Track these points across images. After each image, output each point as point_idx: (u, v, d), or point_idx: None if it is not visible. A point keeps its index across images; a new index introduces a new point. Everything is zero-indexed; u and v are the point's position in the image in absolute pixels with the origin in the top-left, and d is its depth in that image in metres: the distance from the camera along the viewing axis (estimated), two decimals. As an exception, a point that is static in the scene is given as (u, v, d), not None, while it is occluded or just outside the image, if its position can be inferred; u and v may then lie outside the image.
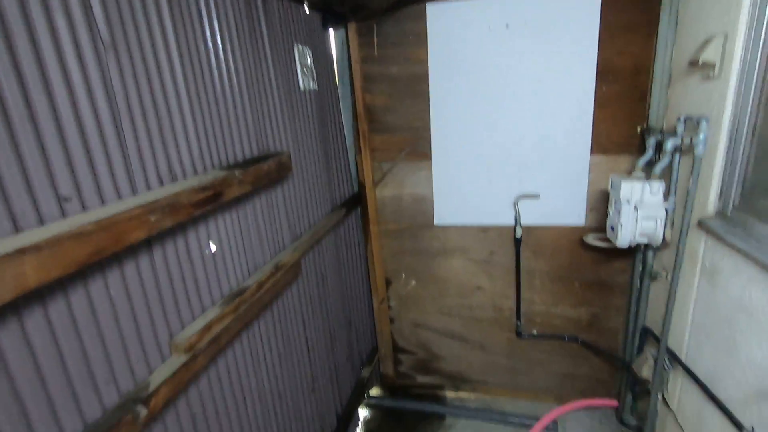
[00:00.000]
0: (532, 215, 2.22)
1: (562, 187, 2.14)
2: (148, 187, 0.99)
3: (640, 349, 2.08)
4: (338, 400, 2.17)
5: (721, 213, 1.55)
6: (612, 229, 1.79)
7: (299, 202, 1.74)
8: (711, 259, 1.57)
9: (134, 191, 0.95)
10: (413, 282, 2.52)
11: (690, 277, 1.70)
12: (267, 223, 1.49)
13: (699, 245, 1.63)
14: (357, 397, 2.40)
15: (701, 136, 1.52)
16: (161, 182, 1.03)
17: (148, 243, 0.98)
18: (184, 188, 1.01)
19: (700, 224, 1.60)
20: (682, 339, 1.77)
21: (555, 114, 2.06)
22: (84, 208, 0.83)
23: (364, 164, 2.30)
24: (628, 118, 2.00)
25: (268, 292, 1.40)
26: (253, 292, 1.32)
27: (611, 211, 1.81)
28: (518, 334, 2.42)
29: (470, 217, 2.31)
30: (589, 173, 2.09)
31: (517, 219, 2.22)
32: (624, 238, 1.70)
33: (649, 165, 1.79)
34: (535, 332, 2.41)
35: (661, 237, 1.69)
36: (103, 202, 0.88)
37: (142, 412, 0.90)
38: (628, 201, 1.66)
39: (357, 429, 2.42)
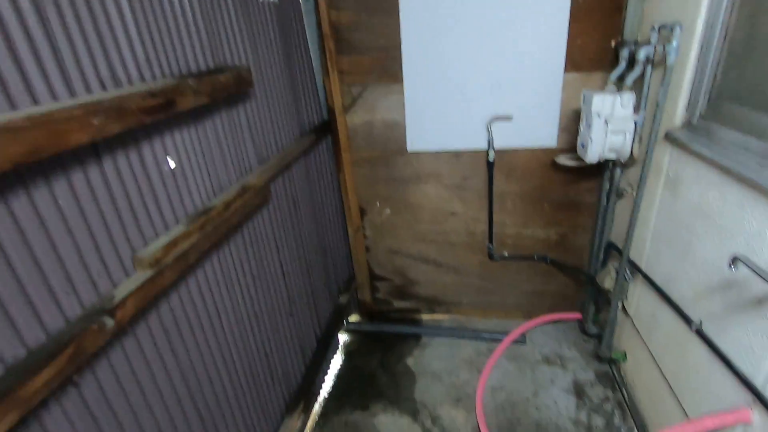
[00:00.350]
0: (505, 138, 2.20)
1: (535, 108, 2.11)
2: (89, 91, 0.90)
3: (604, 263, 2.19)
4: (317, 325, 2.23)
5: (687, 123, 1.57)
6: (582, 146, 1.80)
7: (264, 124, 1.66)
8: (675, 170, 1.61)
9: (72, 94, 0.87)
10: (388, 210, 2.52)
11: (654, 190, 1.75)
12: (230, 143, 1.42)
13: (664, 158, 1.67)
14: (336, 322, 2.47)
15: (674, 44, 1.49)
16: (103, 87, 0.94)
17: (95, 151, 0.91)
18: (131, 92, 0.93)
19: (667, 136, 1.62)
20: (643, 249, 1.86)
21: (530, 30, 1.97)
22: (12, 106, 0.75)
23: (333, 88, 2.20)
24: (603, 32, 1.94)
25: (236, 214, 1.37)
26: (220, 212, 1.28)
27: (582, 127, 1.80)
28: (490, 256, 2.50)
29: (443, 143, 2.28)
30: (562, 92, 2.05)
31: (490, 142, 2.20)
32: (593, 153, 1.71)
33: (621, 79, 1.77)
34: (506, 254, 2.49)
35: (629, 151, 1.71)
36: (35, 102, 0.79)
37: (109, 322, 0.88)
38: (599, 115, 1.65)
39: (337, 352, 2.52)
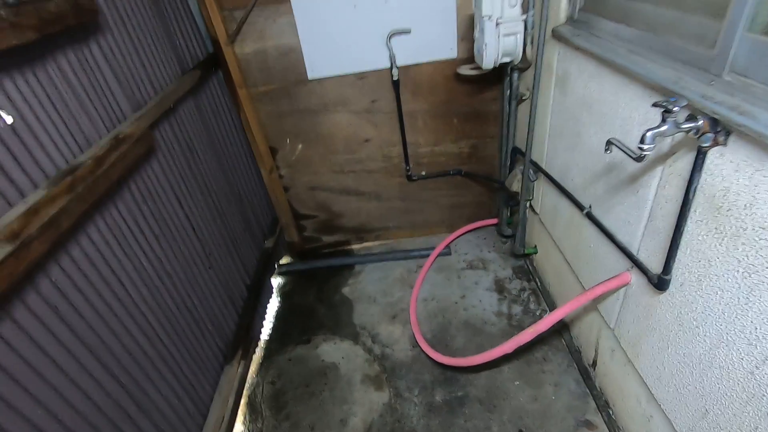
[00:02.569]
0: (407, 54, 2.13)
1: (433, 18, 2.04)
2: None
3: (511, 168, 2.32)
4: (244, 273, 2.18)
5: (570, 18, 1.60)
6: (479, 52, 1.79)
7: (130, 62, 1.44)
8: (563, 67, 1.67)
9: None
10: (300, 146, 2.42)
11: (547, 90, 1.82)
12: (87, 87, 1.22)
13: (554, 57, 1.71)
14: (265, 267, 2.43)
15: (553, -67, 1.47)
16: None
17: None
18: None
19: (554, 33, 1.65)
20: (543, 149, 1.98)
21: (415, -72, 1.84)
22: None
23: (211, 14, 1.94)
24: (489, -73, 1.86)
25: (114, 168, 1.22)
26: (92, 170, 1.13)
27: (477, 33, 1.78)
28: (408, 177, 2.53)
29: (345, 65, 2.16)
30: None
31: (392, 60, 2.12)
32: (489, 58, 1.72)
33: (509, -23, 1.74)
34: (423, 173, 2.54)
35: (521, 52, 1.73)
36: None
37: (-33, 308, 0.77)
38: (489, 17, 1.63)
39: (272, 295, 2.52)
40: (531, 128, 1.93)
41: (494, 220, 2.73)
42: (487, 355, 1.64)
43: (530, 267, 2.43)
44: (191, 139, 1.78)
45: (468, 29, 2.08)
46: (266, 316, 2.36)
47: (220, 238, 1.93)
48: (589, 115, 1.51)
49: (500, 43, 1.68)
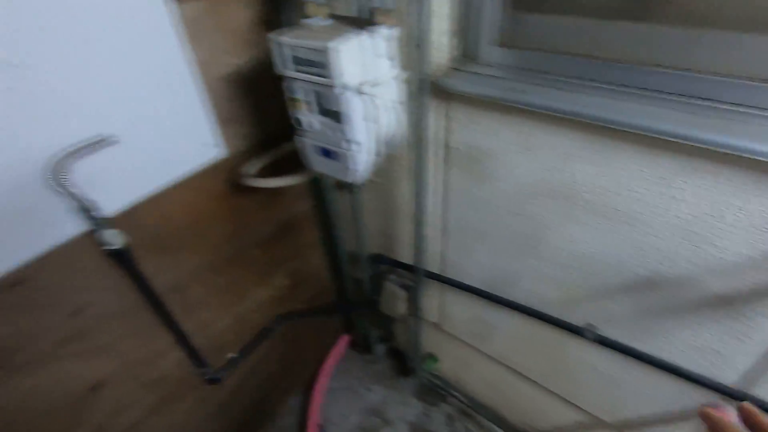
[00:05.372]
0: (122, 188, 0.91)
1: (155, 99, 0.90)
2: None
3: (375, 280, 1.51)
4: None
5: (468, 57, 0.91)
6: (328, 155, 0.85)
7: None
8: (468, 140, 0.98)
9: None
10: None
11: (433, 171, 1.10)
12: None
13: (440, 123, 1.00)
14: None
15: None
16: None
17: None
18: None
19: (438, 87, 0.92)
20: (435, 250, 1.28)
21: None
22: None
23: None
24: None
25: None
26: None
27: (316, 123, 0.83)
28: (212, 380, 1.32)
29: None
30: (190, 45, 0.92)
31: (87, 211, 0.85)
32: (362, 164, 0.82)
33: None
34: (234, 355, 1.38)
35: (405, 133, 0.92)
36: None
37: None
38: (358, 87, 0.73)
39: None
40: (419, 232, 1.18)
41: (345, 339, 1.88)
42: None
43: (438, 382, 1.77)
44: None
45: (227, 99, 1.05)
46: None
47: None
48: (568, 211, 0.91)
49: (381, 126, 0.81)
